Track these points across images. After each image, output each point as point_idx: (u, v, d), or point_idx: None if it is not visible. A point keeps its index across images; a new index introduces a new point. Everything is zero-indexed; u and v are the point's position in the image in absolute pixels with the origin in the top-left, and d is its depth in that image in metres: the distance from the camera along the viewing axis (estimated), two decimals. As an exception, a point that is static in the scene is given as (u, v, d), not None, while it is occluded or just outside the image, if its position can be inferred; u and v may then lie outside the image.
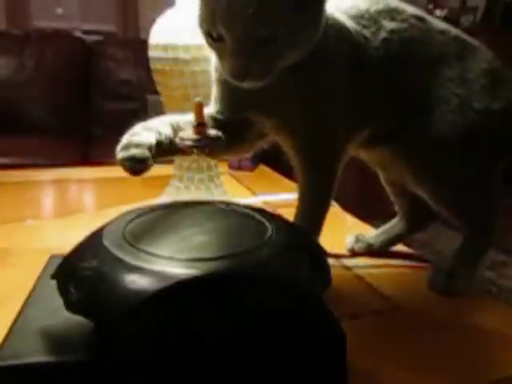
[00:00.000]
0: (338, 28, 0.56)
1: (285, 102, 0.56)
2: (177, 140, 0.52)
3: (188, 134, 0.51)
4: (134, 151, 0.49)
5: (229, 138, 0.57)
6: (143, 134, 0.52)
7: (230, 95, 0.58)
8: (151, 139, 0.52)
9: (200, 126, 0.50)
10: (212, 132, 0.52)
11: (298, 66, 0.52)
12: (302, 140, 0.58)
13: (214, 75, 0.59)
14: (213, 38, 0.50)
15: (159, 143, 0.52)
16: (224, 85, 0.58)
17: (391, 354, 0.50)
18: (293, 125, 0.57)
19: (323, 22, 0.52)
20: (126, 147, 0.50)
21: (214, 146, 0.51)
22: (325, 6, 0.51)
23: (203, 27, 0.51)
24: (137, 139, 0.51)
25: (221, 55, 0.51)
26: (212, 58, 0.58)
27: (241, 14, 0.46)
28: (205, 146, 0.50)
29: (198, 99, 0.49)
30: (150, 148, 0.50)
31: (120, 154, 0.50)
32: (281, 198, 0.98)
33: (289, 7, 0.47)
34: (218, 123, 0.58)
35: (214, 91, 0.60)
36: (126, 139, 0.51)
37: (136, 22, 3.06)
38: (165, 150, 0.54)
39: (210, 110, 0.59)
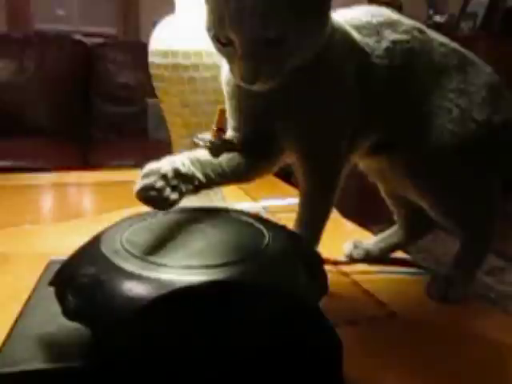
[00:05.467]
0: (343, 34, 0.57)
1: (293, 105, 0.55)
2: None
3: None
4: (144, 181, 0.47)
5: (254, 157, 0.57)
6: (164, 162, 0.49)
7: (243, 104, 0.58)
8: (168, 167, 0.48)
9: (218, 130, 0.50)
10: (228, 138, 0.52)
11: (305, 69, 0.52)
12: (305, 145, 0.58)
13: (225, 90, 0.59)
14: (221, 43, 0.50)
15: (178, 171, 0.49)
16: (236, 96, 0.58)
17: (388, 360, 0.50)
18: (299, 128, 0.57)
19: (329, 24, 0.52)
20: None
21: (226, 150, 0.52)
22: (330, 7, 0.51)
23: (211, 32, 0.51)
24: (152, 167, 0.48)
25: (230, 60, 0.51)
26: (222, 71, 0.59)
27: (249, 16, 0.46)
28: (217, 150, 0.51)
29: (221, 106, 0.50)
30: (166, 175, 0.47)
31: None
32: (280, 203, 0.98)
33: (296, 8, 0.47)
34: (239, 144, 0.58)
35: (228, 107, 0.60)
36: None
37: (137, 25, 3.06)
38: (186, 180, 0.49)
39: (229, 133, 0.59)
